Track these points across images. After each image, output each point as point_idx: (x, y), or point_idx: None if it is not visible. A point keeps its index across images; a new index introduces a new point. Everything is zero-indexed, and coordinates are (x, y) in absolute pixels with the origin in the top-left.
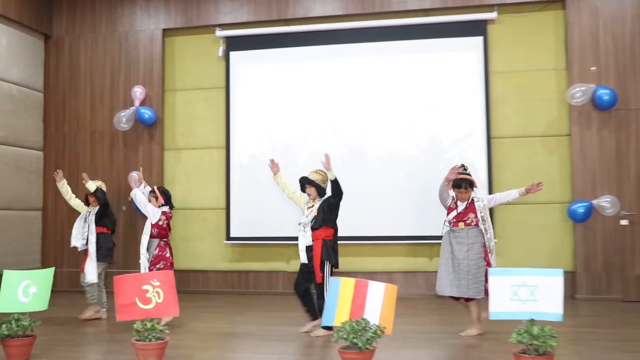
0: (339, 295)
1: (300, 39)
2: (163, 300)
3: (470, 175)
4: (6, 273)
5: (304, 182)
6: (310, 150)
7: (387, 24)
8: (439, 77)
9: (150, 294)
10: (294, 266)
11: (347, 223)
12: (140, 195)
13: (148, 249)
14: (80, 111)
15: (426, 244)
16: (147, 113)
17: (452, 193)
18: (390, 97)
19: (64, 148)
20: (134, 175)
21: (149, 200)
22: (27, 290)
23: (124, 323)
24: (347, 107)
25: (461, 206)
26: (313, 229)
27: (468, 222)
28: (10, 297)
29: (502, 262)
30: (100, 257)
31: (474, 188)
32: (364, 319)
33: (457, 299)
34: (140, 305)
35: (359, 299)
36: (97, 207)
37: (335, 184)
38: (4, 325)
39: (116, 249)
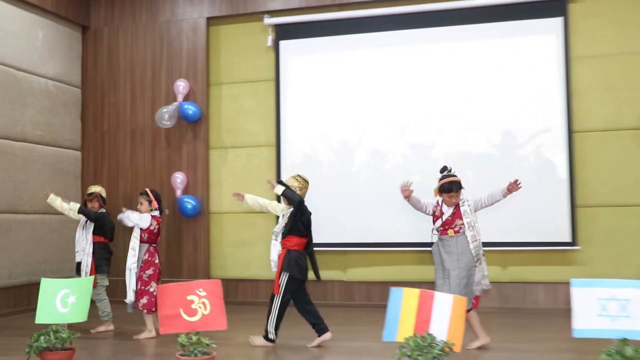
0: (401, 307)
1: (356, 25)
2: (210, 311)
3: (456, 175)
4: (44, 282)
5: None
6: (369, 149)
7: (453, 6)
8: (511, 64)
9: (196, 304)
10: (351, 275)
11: (411, 229)
12: (127, 213)
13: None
14: (120, 107)
15: (500, 251)
16: (190, 109)
17: (431, 200)
18: (457, 88)
19: (103, 147)
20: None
21: (140, 204)
22: (66, 300)
23: (168, 336)
24: (410, 101)
25: (448, 212)
26: (282, 236)
27: (457, 229)
28: (48, 308)
29: (586, 272)
30: (96, 269)
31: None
32: (430, 334)
33: None
34: (185, 317)
35: (424, 312)
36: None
37: (284, 196)
38: (42, 338)
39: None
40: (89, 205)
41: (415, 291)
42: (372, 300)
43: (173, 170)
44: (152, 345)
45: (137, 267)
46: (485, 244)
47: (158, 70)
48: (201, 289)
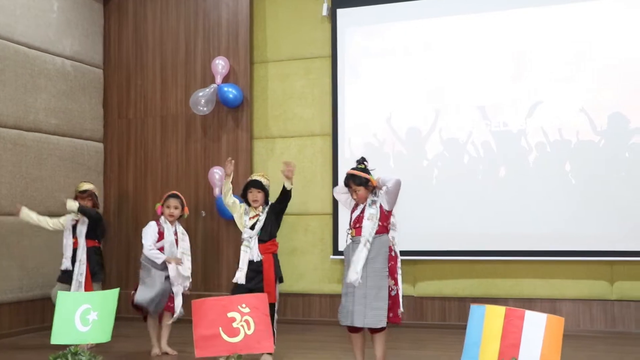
0: (483, 328)
1: None
2: (254, 331)
3: (366, 170)
4: (61, 295)
5: (253, 186)
6: (444, 137)
7: None
8: (623, 30)
9: (238, 323)
10: (422, 289)
11: (494, 233)
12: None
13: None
14: (149, 91)
15: (606, 261)
16: (231, 92)
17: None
18: (553, 61)
19: (129, 138)
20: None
21: (175, 208)
22: (86, 316)
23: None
24: (493, 78)
25: (359, 208)
26: (261, 240)
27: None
28: (65, 325)
29: None
30: (92, 277)
31: (375, 190)
32: None
33: (356, 330)
34: (225, 337)
35: (512, 335)
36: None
37: (289, 193)
38: None
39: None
40: (81, 202)
41: (501, 309)
42: (448, 319)
43: (211, 164)
44: None
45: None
46: (589, 253)
47: (192, 46)
48: (244, 305)
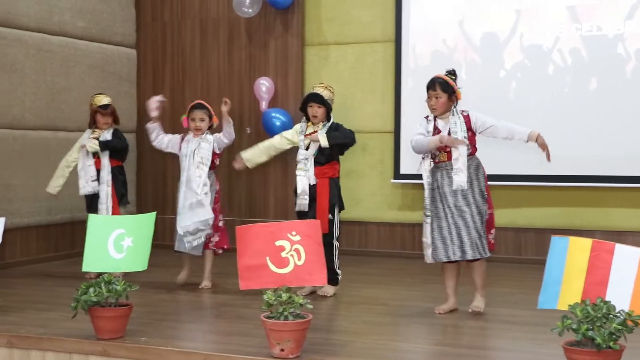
0: (565, 263)
1: None
2: (305, 262)
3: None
4: (92, 219)
5: (312, 100)
6: (525, 44)
7: None
8: None
9: (287, 252)
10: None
11: (581, 155)
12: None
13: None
14: None
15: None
16: None
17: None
18: None
19: (164, 44)
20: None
21: (201, 120)
22: (120, 242)
23: (250, 292)
24: None
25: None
26: (317, 162)
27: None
28: (98, 252)
29: None
30: (120, 200)
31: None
32: (606, 302)
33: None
34: (273, 268)
35: (599, 271)
36: (111, 130)
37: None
38: (91, 290)
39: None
40: (101, 120)
41: (587, 242)
42: (524, 253)
43: (257, 75)
44: (231, 305)
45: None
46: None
47: None
48: (294, 232)
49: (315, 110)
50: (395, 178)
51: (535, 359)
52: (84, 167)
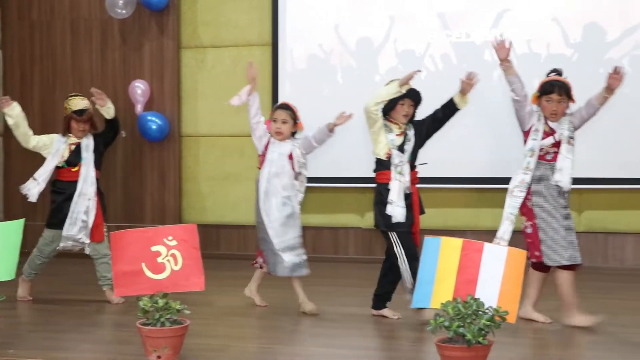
0: (438, 263)
1: None
2: (182, 267)
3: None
4: None
5: (412, 96)
6: (399, 49)
7: None
8: None
9: (164, 257)
10: (371, 221)
11: (447, 159)
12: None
13: None
14: None
15: (574, 190)
16: None
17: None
18: None
19: (33, 44)
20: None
21: (284, 122)
22: None
23: (127, 299)
24: None
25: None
26: (412, 167)
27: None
28: None
29: None
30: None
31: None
32: (476, 299)
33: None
34: (149, 274)
35: (469, 270)
36: (92, 137)
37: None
38: None
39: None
40: (76, 127)
41: (457, 241)
42: None
43: (131, 77)
44: (105, 312)
45: None
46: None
47: None
48: (171, 237)
49: (408, 108)
50: None
51: (411, 357)
52: (47, 171)
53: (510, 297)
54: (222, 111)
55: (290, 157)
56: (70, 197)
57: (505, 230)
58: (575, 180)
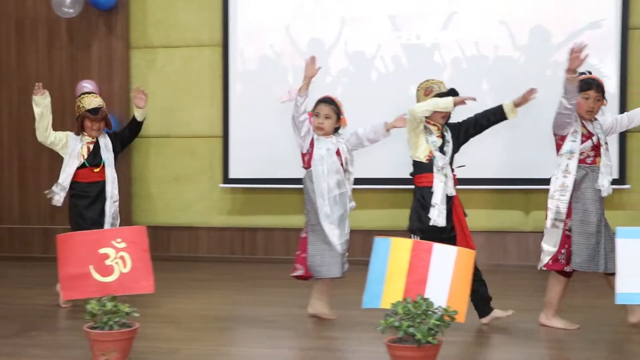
0: (388, 263)
1: None
2: (131, 269)
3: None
4: None
5: (452, 94)
6: (350, 50)
7: None
8: None
9: (112, 260)
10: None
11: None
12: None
13: None
14: None
15: (521, 190)
16: None
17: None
18: None
19: None
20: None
21: (327, 117)
22: None
23: (74, 303)
24: None
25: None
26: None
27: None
28: None
29: (637, 218)
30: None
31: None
32: (425, 299)
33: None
34: (97, 276)
35: (419, 270)
36: (107, 136)
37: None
38: None
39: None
40: (90, 126)
41: (408, 242)
42: (351, 254)
43: (79, 77)
44: (51, 316)
45: None
46: (503, 181)
47: None
48: (119, 240)
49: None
50: (224, 183)
51: (361, 357)
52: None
53: (459, 296)
54: (173, 112)
55: (337, 153)
56: (93, 202)
57: (549, 239)
58: (523, 181)
